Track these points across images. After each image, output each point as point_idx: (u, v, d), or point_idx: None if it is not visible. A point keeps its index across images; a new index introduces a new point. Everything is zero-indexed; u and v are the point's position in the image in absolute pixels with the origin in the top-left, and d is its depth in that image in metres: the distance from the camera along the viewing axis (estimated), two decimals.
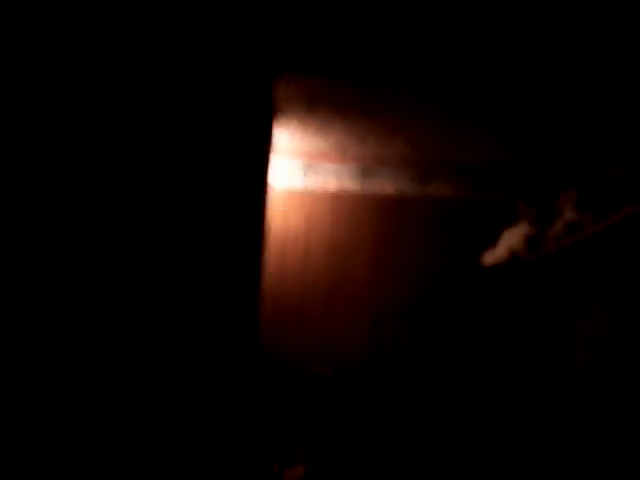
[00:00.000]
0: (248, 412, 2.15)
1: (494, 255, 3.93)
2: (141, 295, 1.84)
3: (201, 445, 1.94)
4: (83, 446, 1.72)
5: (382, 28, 2.79)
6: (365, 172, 4.41)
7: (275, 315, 4.25)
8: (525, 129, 3.72)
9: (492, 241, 4.01)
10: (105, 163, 1.99)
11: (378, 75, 3.18)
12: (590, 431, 3.63)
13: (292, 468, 3.67)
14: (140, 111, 2.04)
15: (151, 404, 1.84)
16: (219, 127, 2.22)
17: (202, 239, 1.97)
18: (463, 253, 4.28)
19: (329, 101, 3.51)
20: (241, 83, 2.40)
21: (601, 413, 3.55)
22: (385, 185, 4.41)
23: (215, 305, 1.99)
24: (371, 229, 4.38)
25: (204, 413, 1.93)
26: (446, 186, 4.42)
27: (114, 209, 1.93)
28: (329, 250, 4.34)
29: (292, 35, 2.79)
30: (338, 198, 4.40)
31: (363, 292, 4.32)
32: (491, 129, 3.75)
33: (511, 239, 3.81)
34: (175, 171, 2.02)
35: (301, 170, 4.40)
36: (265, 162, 2.43)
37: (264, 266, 2.34)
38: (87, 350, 1.83)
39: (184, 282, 1.93)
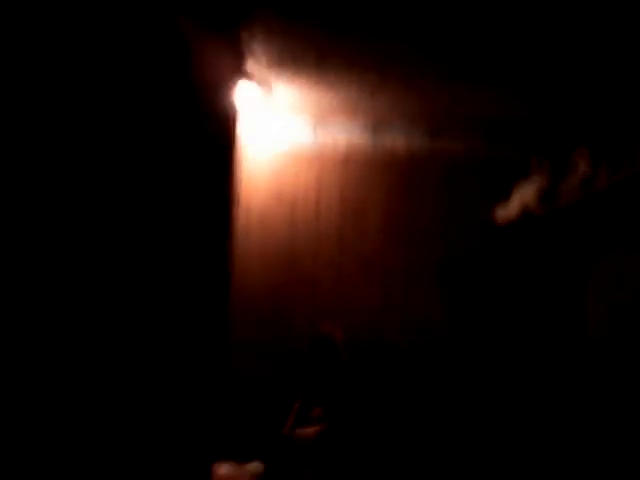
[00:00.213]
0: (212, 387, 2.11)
1: (507, 210, 3.90)
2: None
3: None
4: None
5: None
6: (376, 129, 4.35)
7: (286, 280, 4.27)
8: (538, 84, 3.65)
9: (505, 196, 3.98)
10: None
11: (385, 27, 3.12)
12: (598, 385, 3.64)
13: (305, 426, 3.70)
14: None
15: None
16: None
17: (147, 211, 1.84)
18: (475, 209, 4.25)
19: (339, 56, 3.45)
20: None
21: (609, 366, 3.55)
22: (396, 142, 4.35)
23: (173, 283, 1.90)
24: (382, 187, 4.35)
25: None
26: (458, 142, 4.36)
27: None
28: (340, 211, 4.32)
29: None
30: (348, 157, 4.35)
31: (375, 254, 4.31)
32: (503, 84, 3.68)
33: (524, 194, 3.77)
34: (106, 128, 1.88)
35: (311, 127, 4.34)
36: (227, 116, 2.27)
37: (232, 239, 2.23)
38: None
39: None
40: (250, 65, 3.65)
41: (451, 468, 4.07)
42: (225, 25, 2.37)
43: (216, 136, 2.09)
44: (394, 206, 4.35)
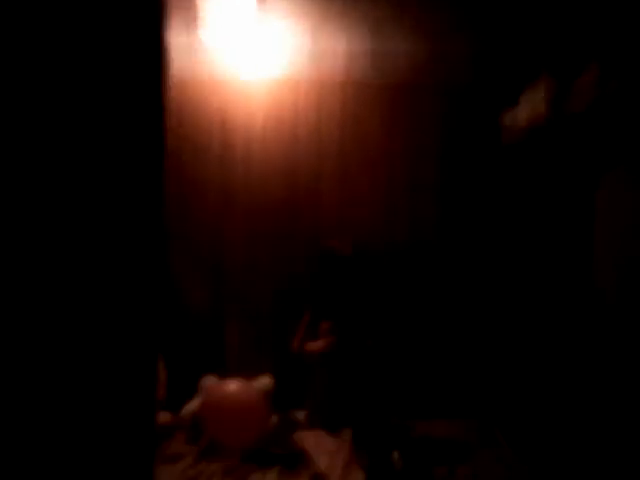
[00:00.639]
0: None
1: (514, 118, 3.75)
2: None
3: None
4: None
5: None
6: (375, 47, 4.12)
7: (287, 198, 4.20)
8: None
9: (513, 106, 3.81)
10: None
11: None
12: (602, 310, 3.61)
13: (314, 339, 3.72)
14: None
15: None
16: None
17: None
18: (482, 124, 4.11)
19: None
20: None
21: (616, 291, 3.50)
22: (397, 60, 4.12)
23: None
24: (383, 108, 4.19)
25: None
26: (463, 57, 4.12)
27: None
28: (341, 133, 4.20)
29: None
30: (348, 79, 4.17)
31: (378, 174, 4.22)
32: None
33: (533, 99, 3.62)
34: None
35: (307, 43, 4.13)
36: None
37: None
38: None
39: None
40: None
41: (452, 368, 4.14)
42: None
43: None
44: (396, 125, 4.21)
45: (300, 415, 3.80)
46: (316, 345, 3.71)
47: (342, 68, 4.16)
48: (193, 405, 3.64)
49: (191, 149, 4.13)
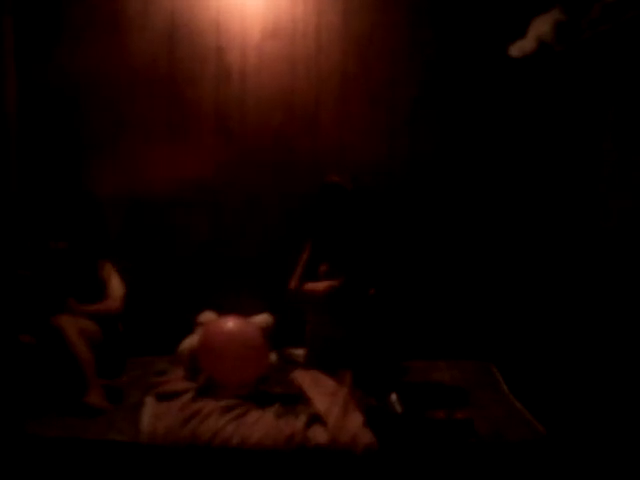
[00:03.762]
0: None
1: (522, 46, 3.57)
2: None
3: None
4: None
5: None
6: None
7: (286, 122, 4.04)
8: None
9: (520, 33, 3.62)
10: None
11: None
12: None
13: (313, 281, 3.61)
14: None
15: None
16: None
17: None
18: (489, 43, 3.91)
19: None
20: None
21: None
22: None
23: None
24: (386, 17, 3.96)
25: None
26: None
27: None
28: (341, 46, 3.98)
29: None
30: None
31: (380, 90, 4.03)
32: None
33: (541, 27, 3.43)
34: None
35: None
36: None
37: None
38: None
39: None
40: None
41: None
42: None
43: None
44: (399, 37, 4.00)
45: (299, 352, 3.77)
46: (318, 286, 3.58)
47: None
48: (191, 341, 3.58)
49: (185, 73, 3.97)
